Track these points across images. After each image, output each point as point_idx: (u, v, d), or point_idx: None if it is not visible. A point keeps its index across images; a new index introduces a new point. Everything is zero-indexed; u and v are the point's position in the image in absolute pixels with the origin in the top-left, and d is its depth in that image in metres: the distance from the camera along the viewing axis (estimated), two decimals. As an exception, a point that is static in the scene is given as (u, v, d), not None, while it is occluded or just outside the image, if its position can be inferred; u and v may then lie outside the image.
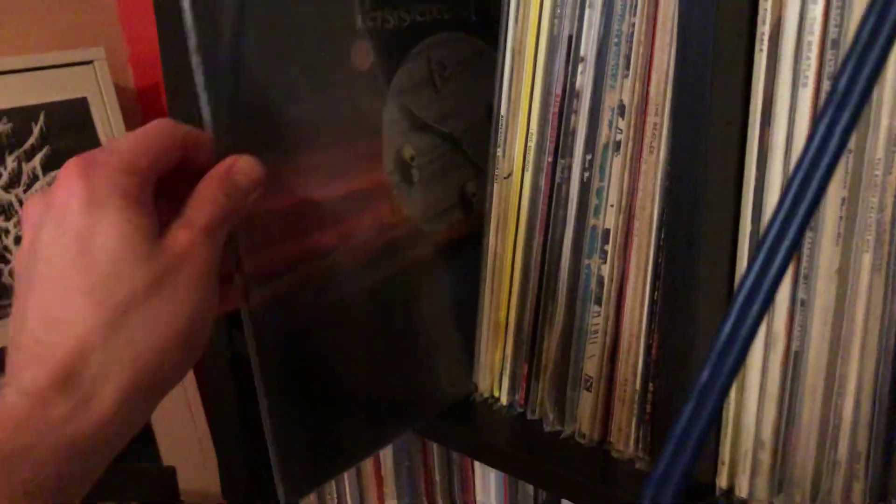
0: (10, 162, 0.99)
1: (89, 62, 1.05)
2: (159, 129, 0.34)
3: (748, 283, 0.21)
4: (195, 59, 0.36)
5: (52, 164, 1.01)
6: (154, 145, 0.34)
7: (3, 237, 0.98)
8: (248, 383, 0.40)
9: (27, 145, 1.00)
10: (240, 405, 0.60)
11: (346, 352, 0.44)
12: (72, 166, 0.32)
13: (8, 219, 0.98)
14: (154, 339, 0.32)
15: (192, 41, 0.36)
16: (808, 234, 0.33)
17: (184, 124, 0.35)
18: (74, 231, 0.31)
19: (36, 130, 1.00)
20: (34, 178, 1.00)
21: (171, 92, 0.56)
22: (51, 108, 1.01)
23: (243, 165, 0.36)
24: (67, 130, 1.02)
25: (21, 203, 0.99)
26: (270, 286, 0.40)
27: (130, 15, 1.18)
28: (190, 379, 1.06)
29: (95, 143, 1.04)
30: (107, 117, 1.06)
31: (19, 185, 0.99)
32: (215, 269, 0.34)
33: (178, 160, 0.35)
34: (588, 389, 0.42)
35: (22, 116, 0.99)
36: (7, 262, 0.98)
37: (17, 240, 0.99)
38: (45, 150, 1.00)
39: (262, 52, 0.39)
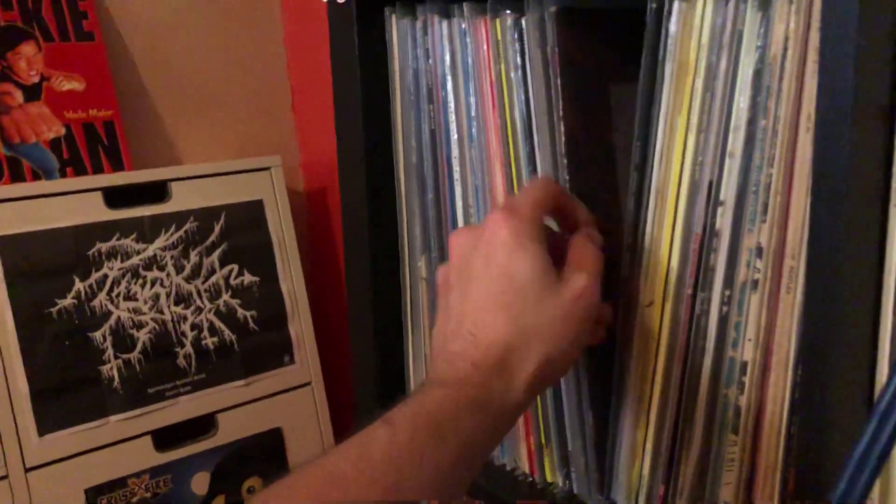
0: (193, 256, 1.10)
1: (267, 168, 1.16)
2: (548, 186, 0.46)
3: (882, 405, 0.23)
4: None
5: (227, 259, 1.11)
6: (547, 200, 0.45)
7: (182, 324, 1.08)
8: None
9: (208, 242, 1.11)
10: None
11: None
12: (500, 214, 0.43)
13: (187, 307, 1.09)
14: (550, 353, 0.42)
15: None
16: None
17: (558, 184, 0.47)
18: (499, 263, 0.42)
19: (217, 228, 1.11)
20: (212, 272, 1.11)
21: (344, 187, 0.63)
22: (231, 209, 1.13)
23: (599, 236, 0.47)
24: (243, 229, 1.13)
25: (199, 293, 1.10)
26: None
27: (306, 127, 1.30)
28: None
29: (267, 240, 1.15)
30: (278, 217, 1.16)
31: (199, 278, 1.10)
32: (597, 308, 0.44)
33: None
34: (724, 516, 0.43)
35: (206, 216, 1.10)
36: (183, 345, 1.08)
37: (193, 327, 1.09)
38: (223, 247, 1.11)
39: None
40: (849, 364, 0.36)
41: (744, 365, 0.41)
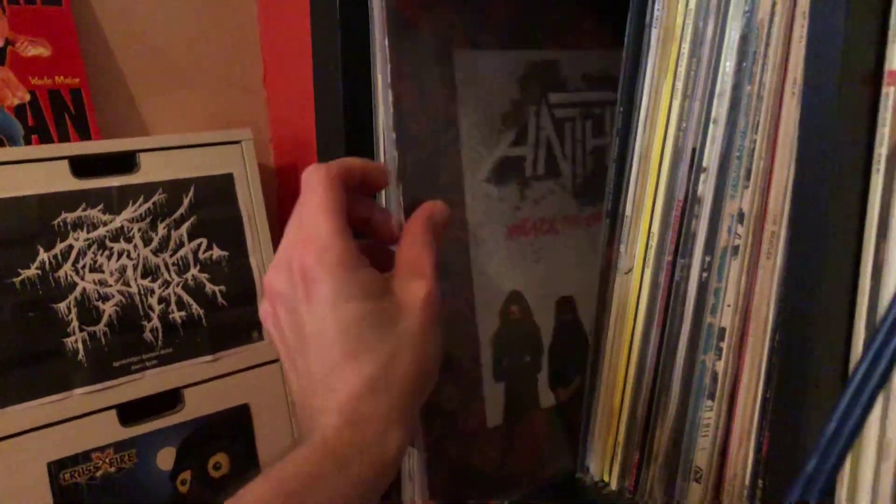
0: (161, 229, 1.08)
1: (237, 142, 1.15)
2: (328, 182, 0.39)
3: (858, 376, 0.23)
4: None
5: (196, 232, 1.10)
6: (337, 203, 0.39)
7: (149, 297, 1.07)
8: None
9: (177, 215, 1.09)
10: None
11: None
12: (309, 259, 0.38)
13: (155, 280, 1.07)
14: (414, 378, 0.39)
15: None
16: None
17: (333, 162, 0.41)
18: (329, 313, 0.38)
19: (186, 202, 1.10)
20: (180, 245, 1.09)
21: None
22: (200, 182, 1.11)
23: (441, 209, 0.42)
24: (213, 202, 1.11)
25: (167, 266, 1.08)
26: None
27: (277, 101, 1.28)
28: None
29: (237, 214, 1.13)
30: (248, 192, 1.15)
31: (167, 251, 1.08)
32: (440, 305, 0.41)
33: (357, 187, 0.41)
34: (697, 481, 0.44)
35: (175, 188, 1.08)
36: (150, 319, 1.06)
37: (160, 300, 1.08)
38: (192, 220, 1.10)
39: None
40: (826, 331, 0.36)
41: (722, 331, 0.42)
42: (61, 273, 0.99)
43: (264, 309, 0.42)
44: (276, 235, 1.22)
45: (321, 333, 0.38)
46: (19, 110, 1.04)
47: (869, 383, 0.22)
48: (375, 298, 0.38)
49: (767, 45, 0.37)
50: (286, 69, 1.25)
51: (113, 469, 1.02)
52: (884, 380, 0.23)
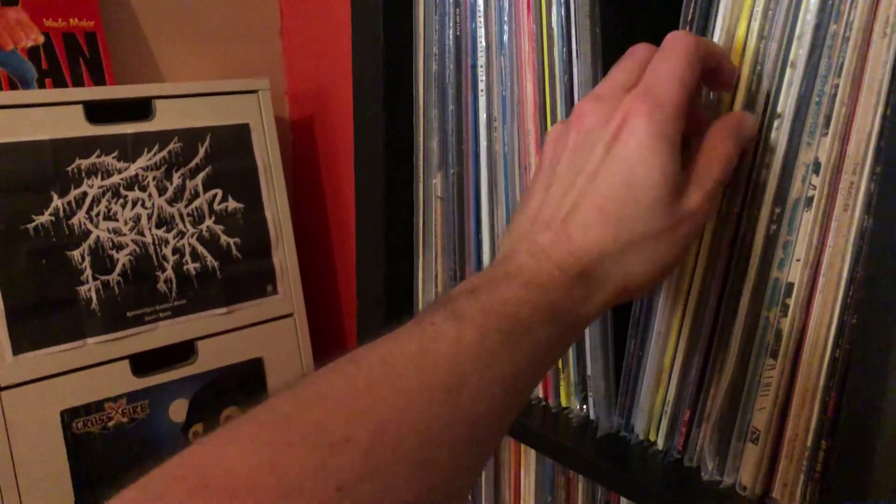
0: (176, 178, 1.06)
1: (254, 91, 1.12)
2: (693, 55, 0.38)
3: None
4: None
5: (211, 183, 1.08)
6: (692, 81, 0.38)
7: (163, 247, 1.05)
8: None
9: (192, 164, 1.07)
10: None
11: None
12: (642, 105, 0.37)
13: (169, 230, 1.05)
14: (640, 272, 0.38)
15: None
16: None
17: (702, 38, 0.39)
18: (624, 164, 0.37)
19: (201, 151, 1.07)
20: (195, 195, 1.07)
21: (358, 118, 0.60)
22: (216, 131, 1.08)
23: (750, 122, 0.40)
24: (228, 153, 1.09)
25: (181, 217, 1.06)
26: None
27: (293, 52, 1.25)
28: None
29: (253, 166, 1.11)
30: (265, 142, 1.13)
31: (181, 201, 1.06)
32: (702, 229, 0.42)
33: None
34: (754, 442, 0.42)
35: (191, 137, 1.06)
36: (164, 270, 1.05)
37: (175, 251, 1.06)
38: (207, 170, 1.07)
39: None
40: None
41: (789, 286, 0.40)
42: (75, 220, 0.97)
43: (558, 129, 0.41)
44: (290, 189, 1.20)
45: (601, 174, 0.37)
46: (33, 53, 1.01)
47: None
48: (666, 179, 0.37)
49: (859, -20, 0.35)
50: (304, 21, 1.22)
51: (125, 419, 1.01)
52: None
